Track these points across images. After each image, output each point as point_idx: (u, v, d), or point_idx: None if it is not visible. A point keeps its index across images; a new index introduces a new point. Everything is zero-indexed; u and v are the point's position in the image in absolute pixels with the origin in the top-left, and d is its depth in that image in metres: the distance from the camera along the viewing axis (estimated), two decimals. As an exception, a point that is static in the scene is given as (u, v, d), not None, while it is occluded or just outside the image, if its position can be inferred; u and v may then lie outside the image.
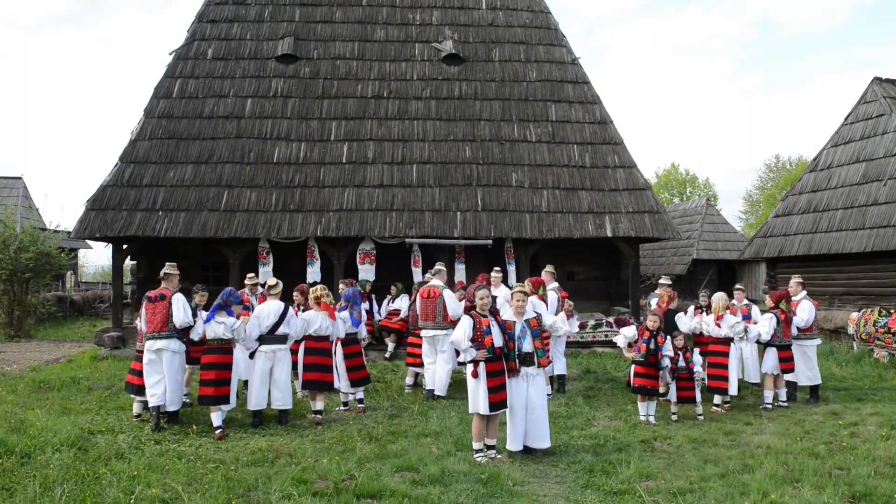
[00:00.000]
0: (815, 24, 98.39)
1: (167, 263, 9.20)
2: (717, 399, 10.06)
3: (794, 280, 11.58)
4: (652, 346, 9.19)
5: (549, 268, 11.54)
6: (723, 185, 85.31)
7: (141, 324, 9.23)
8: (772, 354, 10.44)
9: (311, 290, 9.69)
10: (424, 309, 10.82)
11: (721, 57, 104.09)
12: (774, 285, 18.73)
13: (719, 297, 10.25)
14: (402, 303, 13.64)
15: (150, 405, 8.78)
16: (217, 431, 8.37)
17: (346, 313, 9.88)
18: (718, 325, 10.02)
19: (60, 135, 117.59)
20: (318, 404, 9.35)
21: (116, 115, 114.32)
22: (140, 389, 9.04)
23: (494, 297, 9.04)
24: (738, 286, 11.84)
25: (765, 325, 10.44)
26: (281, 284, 9.51)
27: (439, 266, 11.50)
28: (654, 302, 11.17)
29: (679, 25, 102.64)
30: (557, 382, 11.21)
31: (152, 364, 8.76)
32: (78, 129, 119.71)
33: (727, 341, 10.09)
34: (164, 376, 8.75)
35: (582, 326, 14.67)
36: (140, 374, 9.01)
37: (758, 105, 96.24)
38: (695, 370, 9.50)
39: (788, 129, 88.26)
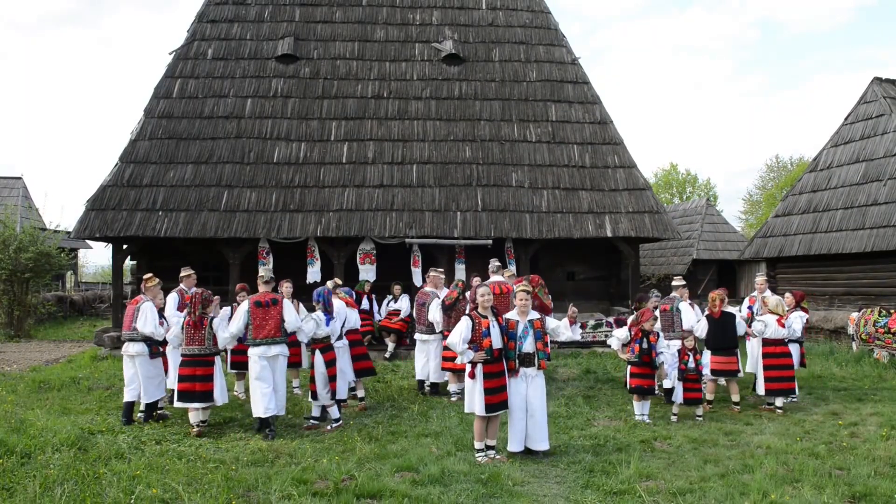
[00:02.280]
0: (815, 24, 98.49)
1: (263, 269, 9.06)
2: (779, 402, 9.88)
3: (760, 277, 11.65)
4: (645, 345, 9.27)
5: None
6: (723, 186, 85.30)
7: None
8: (796, 350, 10.61)
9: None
10: (497, 305, 9.99)
11: (722, 57, 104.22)
12: (774, 285, 18.72)
13: (780, 299, 10.30)
14: (402, 303, 13.66)
15: (263, 415, 8.35)
16: (310, 421, 8.84)
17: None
18: (783, 326, 10.01)
19: (60, 135, 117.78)
20: (360, 392, 10.05)
21: (116, 115, 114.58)
22: (203, 396, 8.44)
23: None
24: (678, 283, 11.47)
25: (798, 323, 10.63)
26: None
27: (497, 262, 10.98)
28: (650, 304, 11.11)
29: (680, 25, 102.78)
30: None
31: (265, 372, 8.41)
32: (78, 129, 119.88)
33: (785, 341, 10.13)
34: (272, 384, 8.46)
35: (582, 326, 14.67)
36: (192, 378, 8.40)
37: (758, 105, 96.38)
38: (703, 372, 9.50)
39: (789, 129, 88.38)
